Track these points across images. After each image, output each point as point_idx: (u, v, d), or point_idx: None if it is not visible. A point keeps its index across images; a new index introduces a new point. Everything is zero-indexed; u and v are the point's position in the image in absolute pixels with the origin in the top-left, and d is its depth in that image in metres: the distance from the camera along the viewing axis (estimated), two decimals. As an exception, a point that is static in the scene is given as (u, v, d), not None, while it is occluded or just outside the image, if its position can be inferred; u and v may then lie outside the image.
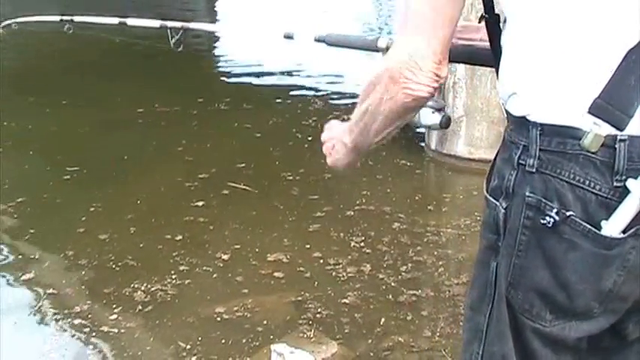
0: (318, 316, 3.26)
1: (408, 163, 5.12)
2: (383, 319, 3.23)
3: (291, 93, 7.15)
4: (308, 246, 3.88)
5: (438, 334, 3.14)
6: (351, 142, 1.51)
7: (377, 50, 1.70)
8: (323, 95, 6.96)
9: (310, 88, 7.28)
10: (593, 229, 1.21)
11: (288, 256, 3.78)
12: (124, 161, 5.32)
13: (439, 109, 1.57)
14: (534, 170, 1.25)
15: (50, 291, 3.54)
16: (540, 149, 1.24)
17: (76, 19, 2.44)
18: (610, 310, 1.28)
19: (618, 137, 1.19)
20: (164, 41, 2.11)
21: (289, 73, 7.82)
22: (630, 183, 1.19)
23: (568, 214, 1.21)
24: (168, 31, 2.11)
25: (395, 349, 3.04)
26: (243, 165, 5.11)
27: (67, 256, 3.86)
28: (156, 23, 2.18)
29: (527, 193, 1.25)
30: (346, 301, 3.38)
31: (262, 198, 4.53)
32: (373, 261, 3.72)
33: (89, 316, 3.29)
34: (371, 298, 3.41)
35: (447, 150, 5.14)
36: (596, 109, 1.19)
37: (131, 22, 2.31)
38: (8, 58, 8.24)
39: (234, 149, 5.54)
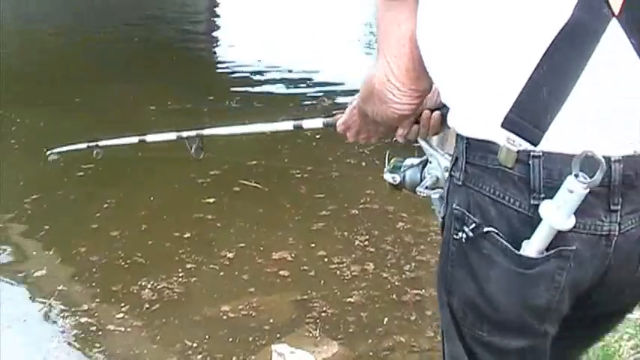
0: (323, 314, 3.17)
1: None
2: (386, 319, 3.12)
3: (299, 92, 7.01)
4: (313, 245, 3.78)
5: (439, 334, 3.01)
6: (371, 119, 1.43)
7: None
8: (329, 95, 6.80)
9: (317, 88, 7.13)
10: (510, 247, 1.13)
11: (293, 255, 3.68)
12: (138, 158, 5.19)
13: None
14: (460, 183, 1.19)
15: (60, 288, 3.45)
16: (467, 162, 1.18)
17: (101, 143, 2.54)
18: (555, 325, 1.22)
19: (532, 153, 1.10)
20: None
21: (297, 74, 7.66)
22: (542, 208, 1.09)
23: (486, 229, 1.15)
24: (186, 141, 2.04)
25: (396, 349, 2.93)
26: (254, 162, 4.98)
27: (80, 253, 3.77)
28: (172, 136, 2.14)
29: (454, 206, 1.20)
30: (351, 300, 3.29)
31: (270, 196, 4.42)
32: (377, 260, 3.61)
33: (96, 314, 3.21)
34: (375, 297, 3.31)
35: (447, 150, 4.92)
36: (509, 124, 1.11)
37: (150, 138, 2.35)
38: (17, 56, 8.16)
39: (245, 147, 5.39)
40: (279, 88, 7.18)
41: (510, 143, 1.11)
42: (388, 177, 1.51)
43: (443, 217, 1.26)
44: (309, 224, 4.00)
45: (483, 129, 1.15)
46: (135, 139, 2.36)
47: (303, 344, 2.84)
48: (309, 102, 6.63)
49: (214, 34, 10.80)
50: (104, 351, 2.97)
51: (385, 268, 3.54)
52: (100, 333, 3.07)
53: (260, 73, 7.71)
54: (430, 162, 1.47)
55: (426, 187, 1.44)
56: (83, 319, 3.15)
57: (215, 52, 9.30)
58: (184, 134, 2.03)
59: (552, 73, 1.09)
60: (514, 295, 1.17)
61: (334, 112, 1.64)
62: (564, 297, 1.17)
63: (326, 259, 3.62)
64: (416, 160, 1.50)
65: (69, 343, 3.01)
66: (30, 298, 3.40)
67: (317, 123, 1.71)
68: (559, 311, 1.19)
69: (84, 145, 2.56)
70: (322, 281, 3.43)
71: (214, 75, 7.96)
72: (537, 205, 1.10)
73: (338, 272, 3.50)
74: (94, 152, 2.51)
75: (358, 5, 12.35)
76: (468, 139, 1.18)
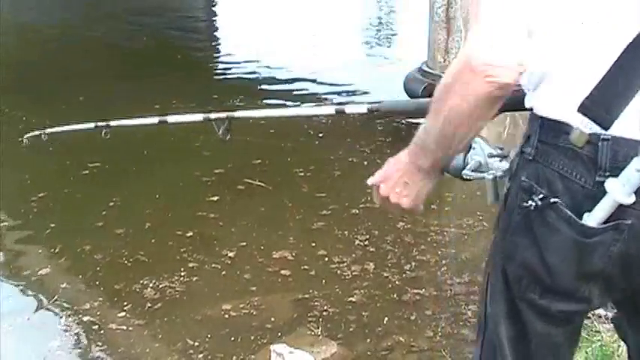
0: (324, 314, 3.11)
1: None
2: (386, 319, 3.07)
3: (304, 90, 6.92)
4: (313, 244, 3.71)
5: (439, 333, 2.96)
6: (429, 163, 1.36)
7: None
8: (333, 91, 6.73)
9: (320, 85, 7.05)
10: (574, 216, 1.23)
11: (294, 254, 3.61)
12: (144, 156, 5.15)
13: (505, 157, 1.49)
14: (531, 158, 1.28)
15: (64, 286, 3.40)
16: (538, 140, 1.27)
17: (112, 123, 2.33)
18: (597, 292, 1.31)
19: (601, 136, 1.20)
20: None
21: (301, 72, 7.56)
22: (608, 183, 1.20)
23: (552, 200, 1.24)
24: (214, 123, 1.99)
25: (395, 349, 2.88)
26: (259, 161, 4.92)
27: (84, 251, 3.72)
28: (199, 117, 2.04)
29: (522, 178, 1.29)
30: (352, 299, 3.22)
31: (273, 195, 4.35)
32: (377, 260, 3.55)
33: (98, 313, 3.16)
34: (376, 296, 3.25)
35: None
36: (584, 109, 1.21)
37: (172, 119, 2.19)
38: (20, 54, 8.09)
39: (249, 145, 5.31)
40: (283, 86, 7.11)
41: (583, 126, 1.20)
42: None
43: (507, 190, 1.35)
44: (310, 223, 3.94)
45: (560, 111, 1.24)
46: (155, 120, 2.20)
47: (302, 344, 2.78)
48: (313, 99, 6.56)
49: (214, 33, 10.72)
50: (106, 349, 2.92)
51: (386, 267, 3.47)
52: (102, 332, 3.02)
53: (263, 71, 7.64)
54: (473, 148, 1.50)
55: (472, 171, 1.50)
56: (85, 318, 3.10)
57: (216, 51, 9.20)
58: (212, 116, 1.96)
59: (629, 68, 1.19)
60: (570, 262, 1.26)
61: (380, 101, 1.65)
62: (616, 268, 1.26)
63: (326, 259, 3.55)
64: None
65: (71, 342, 2.96)
66: (34, 296, 3.35)
67: (361, 108, 1.70)
68: (607, 280, 1.29)
69: (91, 125, 2.37)
70: (323, 280, 3.36)
71: (217, 74, 7.87)
72: (601, 182, 1.21)
73: (338, 272, 3.44)
74: (103, 132, 2.33)
75: (360, 3, 12.25)
76: (542, 119, 1.27)
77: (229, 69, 7.88)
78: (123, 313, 3.13)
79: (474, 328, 2.97)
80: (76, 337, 2.99)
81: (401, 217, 3.89)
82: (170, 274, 3.42)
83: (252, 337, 2.95)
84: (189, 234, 3.83)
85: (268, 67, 7.80)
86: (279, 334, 2.95)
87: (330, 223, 3.93)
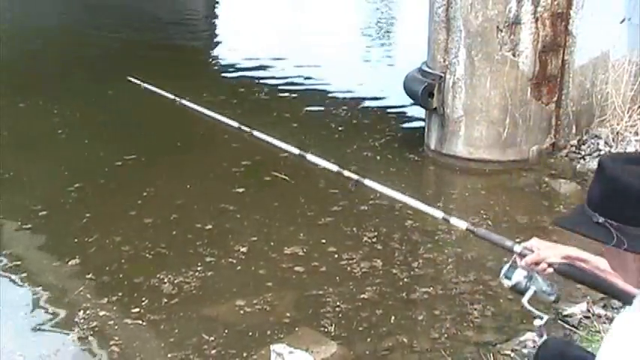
0: (337, 310, 2.85)
1: (416, 158, 4.57)
2: (393, 317, 2.79)
3: (321, 87, 6.54)
4: (323, 240, 3.43)
5: (445, 335, 2.69)
6: None
7: (512, 252, 1.69)
8: (348, 90, 6.37)
9: (333, 80, 6.69)
10: None
11: (304, 250, 3.34)
12: (177, 148, 4.89)
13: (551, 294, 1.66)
14: None
15: (89, 276, 3.18)
16: None
17: (256, 133, 2.42)
18: None
19: None
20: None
21: (311, 67, 7.18)
22: None
23: None
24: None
25: (396, 349, 2.61)
26: (285, 155, 4.59)
27: (113, 242, 3.50)
28: (333, 167, 2.14)
29: None
30: (364, 296, 2.95)
31: (290, 189, 4.08)
32: (385, 257, 3.26)
33: (114, 308, 2.92)
34: (386, 294, 2.97)
35: (446, 150, 4.43)
36: None
37: (311, 157, 2.26)
38: (45, 53, 7.83)
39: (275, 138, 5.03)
40: (302, 83, 6.74)
41: None
42: (505, 281, 1.68)
43: None
44: (320, 219, 3.66)
45: None
46: (295, 150, 2.31)
47: (302, 344, 2.53)
48: (314, 95, 6.19)
49: (229, 33, 10.27)
50: (121, 344, 2.69)
51: (394, 265, 3.19)
52: (117, 327, 2.80)
53: (280, 67, 7.27)
54: (533, 283, 1.65)
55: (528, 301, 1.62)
56: (102, 313, 2.88)
57: (233, 50, 8.82)
58: (345, 173, 2.09)
59: None
60: None
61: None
62: None
63: (336, 255, 3.28)
64: (524, 273, 1.66)
65: (87, 335, 2.74)
66: (59, 288, 3.14)
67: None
68: None
69: (236, 123, 2.47)
70: (337, 277, 3.09)
71: (239, 71, 7.49)
72: None
73: (348, 268, 3.17)
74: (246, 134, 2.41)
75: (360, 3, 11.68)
76: None
77: (237, 69, 7.50)
78: (139, 309, 2.90)
79: (477, 329, 2.70)
80: (91, 332, 2.76)
81: (408, 214, 3.58)
82: (187, 268, 3.18)
83: (268, 332, 2.71)
84: (208, 227, 3.59)
85: (285, 62, 7.43)
86: (296, 328, 2.71)
87: (339, 219, 3.65)
